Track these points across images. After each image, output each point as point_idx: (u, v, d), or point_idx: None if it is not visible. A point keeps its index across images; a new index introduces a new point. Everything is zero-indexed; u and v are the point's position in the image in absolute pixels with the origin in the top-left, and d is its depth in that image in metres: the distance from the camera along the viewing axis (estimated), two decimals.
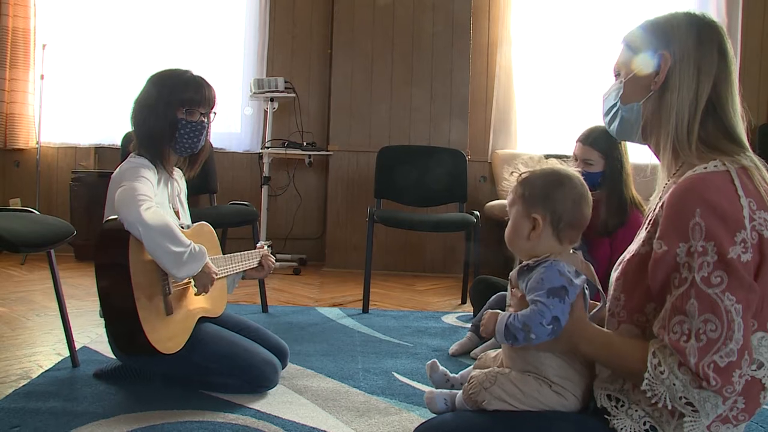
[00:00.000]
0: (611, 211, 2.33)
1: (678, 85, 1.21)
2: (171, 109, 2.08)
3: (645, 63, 1.26)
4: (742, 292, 1.08)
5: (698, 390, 1.07)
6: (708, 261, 1.08)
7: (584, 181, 1.36)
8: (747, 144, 1.22)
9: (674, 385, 1.09)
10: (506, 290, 1.44)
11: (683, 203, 1.12)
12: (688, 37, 1.22)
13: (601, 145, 2.36)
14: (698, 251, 1.09)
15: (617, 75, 1.35)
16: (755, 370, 1.15)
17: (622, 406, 1.23)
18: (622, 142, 2.35)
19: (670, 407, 1.11)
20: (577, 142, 2.44)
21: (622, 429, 1.21)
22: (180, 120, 2.09)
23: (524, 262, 1.34)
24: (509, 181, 1.40)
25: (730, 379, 1.06)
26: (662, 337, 1.12)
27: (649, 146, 1.33)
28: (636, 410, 1.21)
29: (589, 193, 1.35)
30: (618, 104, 1.32)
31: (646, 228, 1.24)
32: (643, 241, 1.23)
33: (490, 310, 1.36)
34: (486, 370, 1.38)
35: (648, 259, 1.18)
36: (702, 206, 1.10)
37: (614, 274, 1.31)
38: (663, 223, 1.15)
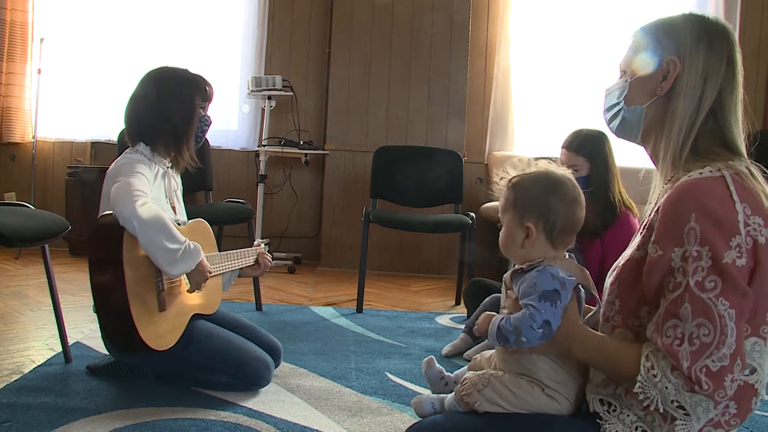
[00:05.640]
0: (599, 212, 2.34)
1: (683, 94, 1.21)
2: (194, 104, 2.14)
3: (653, 66, 1.25)
4: (735, 297, 1.08)
5: (690, 394, 1.07)
6: (702, 266, 1.08)
7: (576, 183, 1.33)
8: (744, 152, 1.22)
9: (666, 388, 1.09)
10: (500, 292, 1.43)
11: (678, 208, 1.12)
12: (699, 46, 1.21)
13: (585, 150, 2.37)
14: (693, 256, 1.09)
15: (623, 72, 1.33)
16: (747, 375, 1.16)
17: (614, 410, 1.23)
18: (607, 144, 2.37)
19: (662, 410, 1.11)
20: (561, 148, 2.45)
21: None
22: (200, 114, 2.17)
23: (518, 266, 1.34)
24: (499, 185, 1.36)
25: (722, 384, 1.06)
26: (655, 341, 1.12)
27: (645, 149, 1.33)
28: (628, 415, 1.20)
29: (582, 194, 1.33)
30: (621, 104, 1.31)
31: (641, 233, 1.23)
32: (637, 246, 1.23)
33: (487, 312, 1.35)
34: (479, 372, 1.37)
35: (642, 263, 1.18)
36: (697, 211, 1.10)
37: (609, 279, 1.31)
38: (658, 228, 1.15)
